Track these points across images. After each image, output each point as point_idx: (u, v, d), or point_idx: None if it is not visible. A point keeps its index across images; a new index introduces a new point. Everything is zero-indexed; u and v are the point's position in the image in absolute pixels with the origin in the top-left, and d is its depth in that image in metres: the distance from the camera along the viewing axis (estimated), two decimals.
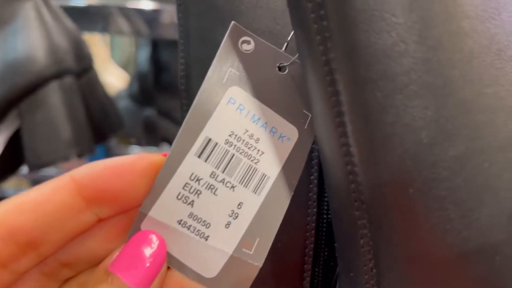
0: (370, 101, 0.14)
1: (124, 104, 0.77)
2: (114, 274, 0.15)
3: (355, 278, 0.17)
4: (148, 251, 0.16)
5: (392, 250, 0.15)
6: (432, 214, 0.14)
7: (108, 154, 1.13)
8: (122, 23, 0.68)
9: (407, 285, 0.15)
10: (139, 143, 1.04)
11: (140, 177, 0.17)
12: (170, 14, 0.71)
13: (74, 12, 0.63)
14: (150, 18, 0.69)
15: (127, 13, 0.68)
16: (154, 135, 0.75)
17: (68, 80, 0.49)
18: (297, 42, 0.16)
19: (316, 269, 0.23)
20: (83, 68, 0.53)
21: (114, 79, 1.00)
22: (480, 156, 0.14)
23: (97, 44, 0.98)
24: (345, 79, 0.14)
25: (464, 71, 0.14)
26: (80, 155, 0.48)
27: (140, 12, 0.69)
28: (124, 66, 1.13)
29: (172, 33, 0.70)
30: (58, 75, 0.48)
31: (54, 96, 0.47)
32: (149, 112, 0.75)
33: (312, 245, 0.22)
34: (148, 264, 0.16)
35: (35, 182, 0.74)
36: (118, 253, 0.16)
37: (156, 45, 0.74)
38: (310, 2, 0.14)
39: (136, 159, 0.17)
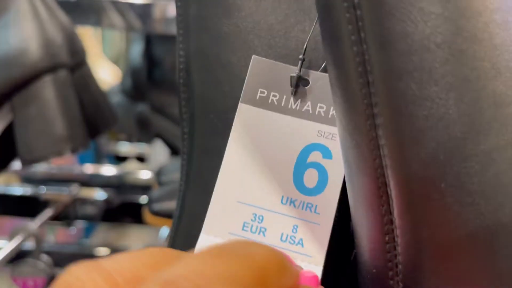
0: (404, 93, 0.14)
1: (116, 100, 0.76)
2: None
3: (378, 274, 0.16)
4: None
5: (419, 245, 0.15)
6: (464, 209, 0.14)
7: (98, 150, 1.12)
8: (114, 17, 0.68)
9: (435, 283, 0.15)
10: (129, 140, 1.03)
11: None
12: (162, 8, 0.70)
13: (66, 5, 0.62)
14: (143, 12, 0.68)
15: (119, 7, 0.68)
16: (147, 131, 0.75)
17: (62, 74, 0.48)
18: (323, 33, 0.15)
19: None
20: (76, 62, 0.53)
21: (106, 74, 0.99)
22: (510, 150, 0.14)
23: (89, 39, 0.97)
24: (379, 70, 0.14)
25: (496, 63, 0.14)
26: (73, 151, 0.47)
27: (133, 6, 0.68)
28: (115, 61, 1.11)
29: (165, 28, 0.69)
30: (51, 68, 0.47)
31: (47, 90, 0.46)
32: (142, 107, 0.74)
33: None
34: None
35: (26, 178, 0.73)
36: None
37: (149, 40, 0.73)
38: None
39: None
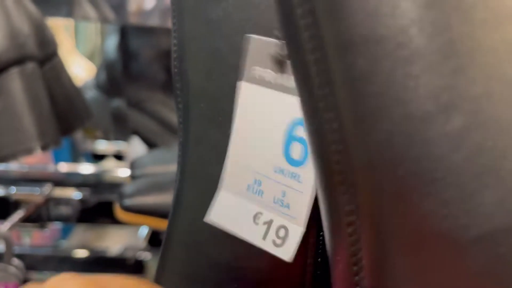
0: (353, 68, 0.13)
1: (91, 95, 0.73)
2: None
3: (343, 270, 0.15)
4: None
5: (382, 239, 0.14)
6: (426, 199, 0.13)
7: (74, 148, 1.09)
8: (87, 8, 0.65)
9: (400, 277, 0.14)
10: (106, 137, 1.00)
11: None
12: (137, 0, 0.68)
13: None
14: (117, 3, 0.66)
15: None
16: (123, 127, 0.72)
17: (30, 66, 0.45)
18: (276, 7, 0.14)
19: (319, 259, 0.22)
20: (46, 55, 0.50)
21: (79, 69, 0.96)
22: (481, 133, 0.13)
23: (61, 33, 0.94)
24: (328, 44, 0.13)
25: (467, 34, 0.12)
26: (44, 148, 0.45)
27: None
28: (90, 57, 1.08)
29: (141, 20, 0.67)
30: (18, 60, 0.44)
31: (14, 83, 0.43)
32: (118, 103, 0.71)
33: (313, 239, 0.22)
34: None
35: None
36: None
37: (125, 33, 0.71)
38: None
39: None
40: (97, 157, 1.19)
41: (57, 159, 0.89)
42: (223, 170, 0.22)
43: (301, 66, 0.14)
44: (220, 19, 0.22)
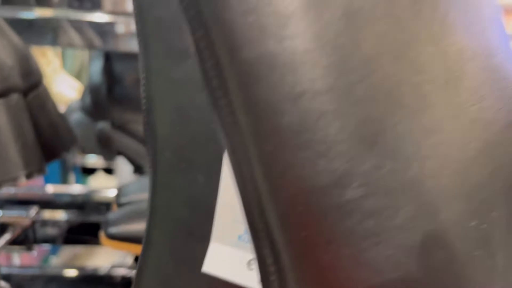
0: (263, 152, 0.15)
1: (76, 117, 0.75)
2: None
3: None
4: None
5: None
6: (324, 255, 0.15)
7: (63, 164, 1.10)
8: (73, 35, 0.67)
9: None
10: (95, 152, 1.01)
11: None
12: (123, 26, 0.70)
13: (20, 25, 0.61)
14: (103, 30, 0.68)
15: (77, 25, 0.67)
16: (109, 149, 0.74)
17: (14, 97, 0.47)
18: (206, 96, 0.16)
19: None
20: (31, 85, 0.52)
21: (66, 88, 0.98)
22: (372, 200, 0.15)
23: (48, 53, 0.95)
24: (245, 131, 0.15)
25: (363, 120, 0.15)
26: (29, 177, 0.46)
27: (92, 24, 0.68)
28: (77, 75, 1.10)
29: (125, 45, 0.69)
30: (3, 93, 0.46)
31: None
32: (103, 125, 0.73)
33: None
34: None
35: None
36: None
37: (109, 57, 0.73)
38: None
39: None
40: (87, 171, 1.20)
41: (47, 175, 0.90)
42: (213, 224, 0.24)
43: (229, 143, 0.16)
44: (182, 78, 0.24)
